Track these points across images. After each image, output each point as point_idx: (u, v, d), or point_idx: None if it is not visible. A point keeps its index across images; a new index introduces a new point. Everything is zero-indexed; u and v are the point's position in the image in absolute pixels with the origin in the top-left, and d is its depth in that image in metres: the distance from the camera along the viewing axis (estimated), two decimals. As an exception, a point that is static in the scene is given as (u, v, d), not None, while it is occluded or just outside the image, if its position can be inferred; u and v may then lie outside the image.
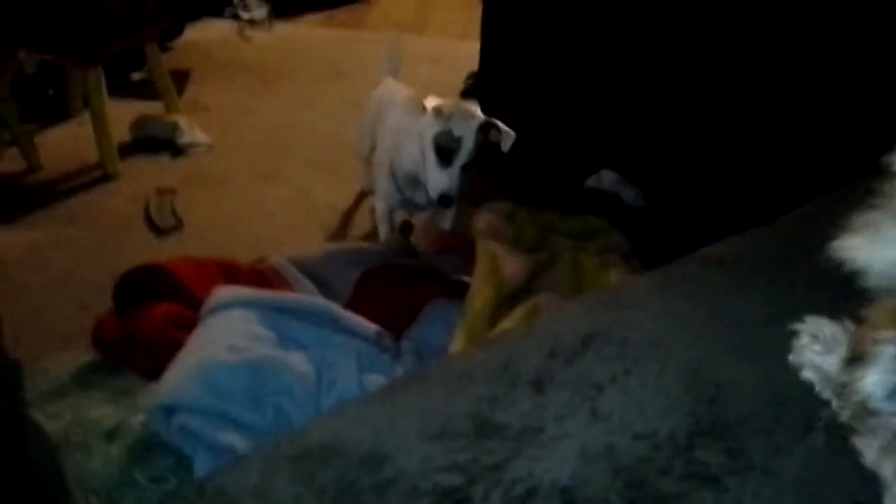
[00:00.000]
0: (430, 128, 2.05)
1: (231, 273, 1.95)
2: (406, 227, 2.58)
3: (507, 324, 1.81)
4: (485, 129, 2.06)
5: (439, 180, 2.04)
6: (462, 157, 2.03)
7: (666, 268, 1.27)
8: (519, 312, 1.86)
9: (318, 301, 1.79)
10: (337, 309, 1.77)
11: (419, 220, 2.65)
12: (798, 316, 1.01)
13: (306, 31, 4.68)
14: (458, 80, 3.73)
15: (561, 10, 2.92)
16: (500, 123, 2.07)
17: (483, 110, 2.21)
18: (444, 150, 2.03)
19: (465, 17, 5.03)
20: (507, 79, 3.27)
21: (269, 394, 1.57)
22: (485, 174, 2.49)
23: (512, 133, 2.07)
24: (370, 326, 1.76)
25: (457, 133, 2.02)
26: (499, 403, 0.94)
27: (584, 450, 0.88)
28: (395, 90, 2.52)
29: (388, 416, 0.94)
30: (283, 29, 4.65)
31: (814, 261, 0.85)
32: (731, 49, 2.54)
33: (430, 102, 2.30)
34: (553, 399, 0.95)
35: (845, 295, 0.84)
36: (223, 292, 1.78)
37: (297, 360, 1.63)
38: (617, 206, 2.84)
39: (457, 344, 1.78)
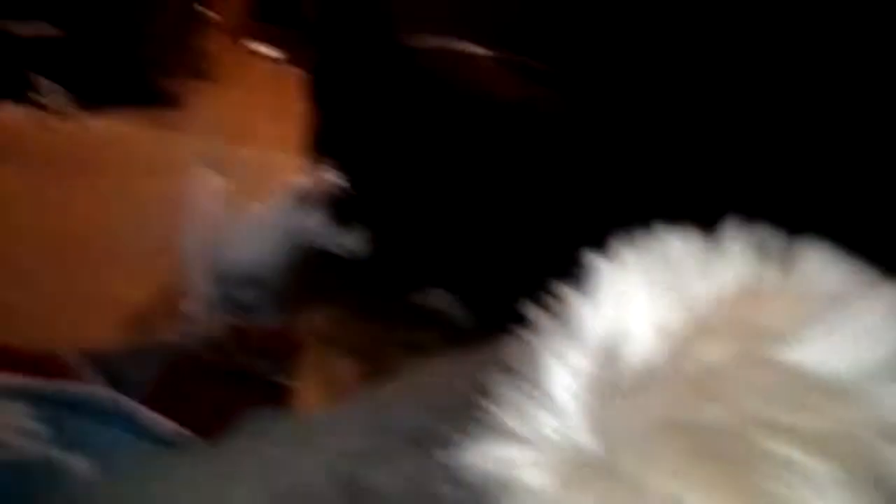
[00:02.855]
0: (305, 212, 1.94)
1: (9, 360, 1.65)
2: (236, 331, 2.31)
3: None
4: None
5: (353, 240, 2.02)
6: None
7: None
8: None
9: (113, 394, 1.53)
10: (132, 403, 1.51)
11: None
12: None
13: (112, 125, 4.39)
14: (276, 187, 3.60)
15: (389, 122, 2.91)
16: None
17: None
18: (340, 212, 2.01)
19: (285, 130, 4.94)
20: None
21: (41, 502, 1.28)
22: (311, 277, 2.36)
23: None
24: (173, 427, 1.52)
25: (332, 193, 1.96)
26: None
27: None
28: (207, 182, 2.36)
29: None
30: (86, 121, 4.34)
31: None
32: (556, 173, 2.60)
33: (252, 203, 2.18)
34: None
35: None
36: (-5, 380, 1.48)
37: (78, 463, 1.36)
38: (446, 324, 2.77)
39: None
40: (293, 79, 6.50)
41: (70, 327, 2.30)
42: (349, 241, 1.94)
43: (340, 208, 1.92)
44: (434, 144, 2.80)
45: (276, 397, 1.76)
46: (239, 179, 2.55)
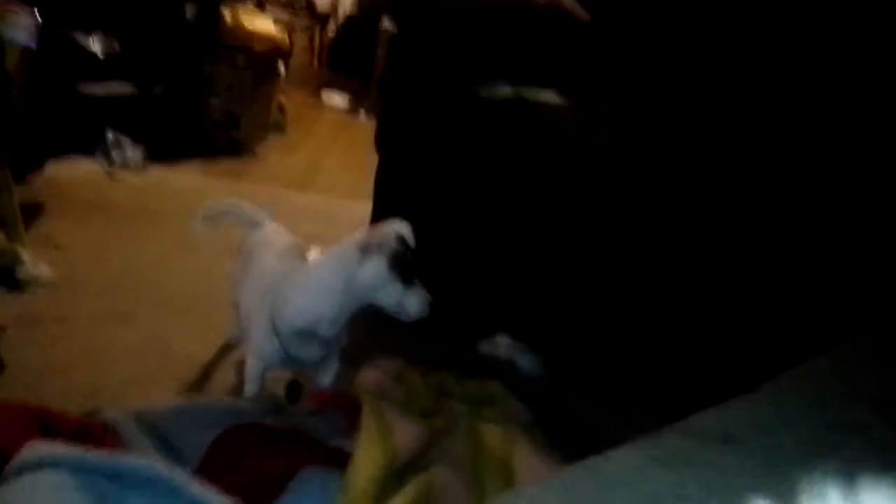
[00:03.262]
0: (368, 267, 1.82)
1: (52, 425, 1.54)
2: (294, 388, 2.16)
3: (396, 501, 1.48)
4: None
5: (418, 299, 1.84)
6: (412, 265, 1.85)
7: (655, 440, 0.97)
8: (410, 491, 1.53)
9: (158, 465, 1.40)
10: (181, 476, 1.38)
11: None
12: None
13: (182, 176, 4.41)
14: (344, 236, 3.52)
15: (458, 172, 2.81)
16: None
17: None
18: (405, 269, 1.83)
19: (354, 179, 4.93)
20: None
21: None
22: (370, 329, 2.23)
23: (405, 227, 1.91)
24: (223, 500, 1.38)
25: (397, 248, 1.83)
26: None
27: None
28: (272, 234, 2.26)
29: None
30: (158, 173, 4.36)
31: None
32: (626, 217, 2.45)
33: (313, 254, 2.07)
34: None
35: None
36: (34, 448, 1.38)
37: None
38: (512, 373, 2.61)
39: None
40: (363, 130, 6.53)
41: (123, 382, 2.22)
42: (414, 297, 1.81)
43: (404, 261, 1.80)
44: (506, 191, 2.68)
45: (335, 460, 1.61)
46: (306, 229, 2.46)
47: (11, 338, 2.34)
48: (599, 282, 2.53)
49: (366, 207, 3.10)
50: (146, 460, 1.41)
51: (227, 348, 2.50)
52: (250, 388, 2.05)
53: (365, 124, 6.85)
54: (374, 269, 1.81)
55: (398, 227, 1.84)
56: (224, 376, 2.36)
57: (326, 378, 2.12)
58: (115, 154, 4.37)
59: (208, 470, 1.59)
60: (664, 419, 2.26)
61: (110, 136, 4.42)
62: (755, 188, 2.22)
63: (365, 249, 1.83)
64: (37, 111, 3.56)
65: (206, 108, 4.91)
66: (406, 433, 1.71)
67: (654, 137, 2.49)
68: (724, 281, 2.27)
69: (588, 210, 2.50)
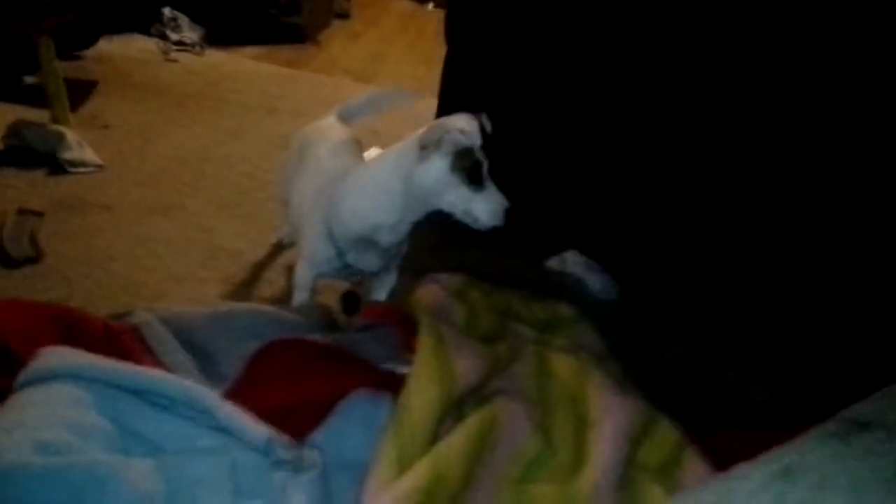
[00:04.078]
0: (431, 165, 1.58)
1: (73, 328, 1.38)
2: (351, 300, 1.94)
3: (455, 438, 1.29)
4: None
5: (490, 205, 1.57)
6: (486, 165, 1.58)
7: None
8: (472, 424, 1.34)
9: (186, 383, 1.23)
10: (213, 397, 1.21)
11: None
12: None
13: (241, 61, 4.19)
14: (407, 134, 3.29)
15: (529, 71, 2.52)
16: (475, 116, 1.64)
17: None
18: (472, 169, 1.56)
19: (420, 73, 4.66)
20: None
21: (87, 523, 1.01)
22: (430, 241, 2.02)
23: (482, 115, 1.65)
24: (258, 428, 1.21)
25: (466, 144, 1.56)
26: None
27: None
28: (329, 128, 2.03)
29: None
30: (216, 56, 4.15)
31: None
32: (724, 120, 2.16)
33: (373, 153, 1.84)
34: None
35: None
36: (50, 355, 1.22)
37: (142, 471, 1.07)
38: (583, 295, 2.39)
39: (382, 460, 1.25)
40: (431, 19, 6.20)
41: (166, 278, 2.07)
42: (483, 202, 1.56)
43: (471, 160, 1.55)
44: (585, 88, 2.39)
45: (387, 384, 1.43)
46: (365, 125, 2.23)
47: (50, 224, 2.21)
48: (686, 199, 2.26)
49: (431, 104, 2.85)
50: (172, 377, 1.24)
51: (278, 248, 2.33)
52: (299, 296, 1.87)
53: (433, 14, 6.50)
54: (435, 169, 1.57)
55: (463, 122, 1.59)
56: (274, 278, 2.20)
57: (382, 291, 1.93)
58: (171, 33, 4.16)
59: (246, 386, 1.42)
60: (742, 349, 1.99)
61: (167, 13, 4.21)
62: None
63: (425, 146, 1.58)
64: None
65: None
66: (467, 359, 1.51)
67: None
68: (821, 221, 2.00)
69: (679, 113, 2.21)
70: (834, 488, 0.69)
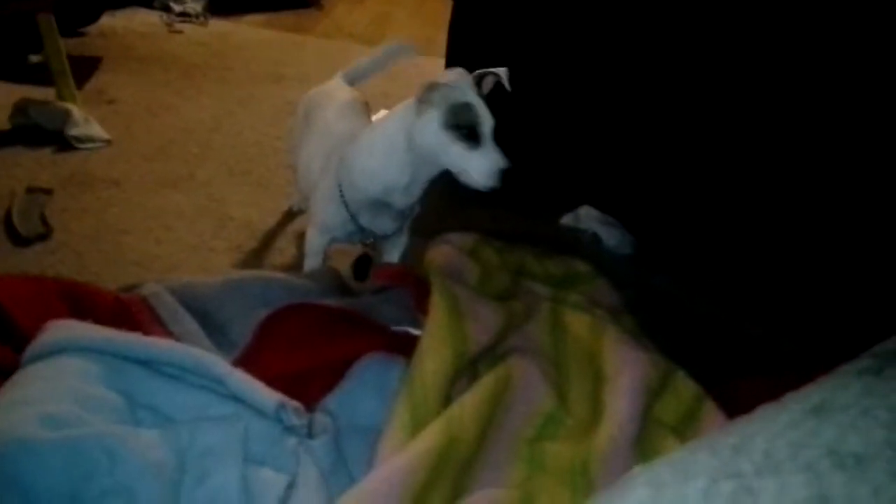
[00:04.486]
0: (425, 121, 1.54)
1: (82, 302, 1.37)
2: (363, 264, 1.90)
3: (468, 399, 1.28)
4: (477, 82, 1.57)
5: (484, 164, 1.51)
6: (488, 123, 1.51)
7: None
8: (485, 384, 1.33)
9: (196, 352, 1.21)
10: (222, 365, 1.20)
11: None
12: None
13: (246, 30, 4.14)
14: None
15: (537, 25, 2.46)
16: (487, 70, 1.59)
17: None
18: (466, 127, 1.51)
19: (425, 34, 4.57)
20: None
21: (98, 494, 1.00)
22: (442, 201, 1.99)
23: (502, 69, 1.58)
24: (269, 395, 1.20)
25: (462, 100, 1.51)
26: None
27: None
28: (335, 90, 2.00)
29: None
30: (220, 26, 4.10)
31: None
32: (739, 71, 2.10)
33: (381, 114, 1.81)
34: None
35: None
36: (58, 329, 1.21)
37: (151, 441, 1.07)
38: (597, 250, 2.35)
39: (395, 423, 1.24)
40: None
41: (177, 250, 2.06)
42: (479, 160, 1.51)
43: (466, 116, 1.50)
44: (595, 42, 2.34)
45: (401, 346, 1.42)
46: (373, 87, 2.20)
47: (60, 201, 2.20)
48: (702, 147, 2.21)
49: (439, 64, 2.80)
50: (181, 347, 1.23)
51: (289, 216, 2.31)
52: (310, 262, 1.86)
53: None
54: (429, 126, 1.53)
55: (454, 76, 1.55)
56: (285, 246, 2.19)
57: (395, 253, 1.91)
58: (174, 4, 4.12)
59: (257, 353, 1.41)
60: (758, 302, 1.95)
61: (171, -15, 4.16)
62: None
63: (421, 101, 1.55)
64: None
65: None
66: (480, 318, 1.49)
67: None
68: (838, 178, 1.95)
69: (692, 62, 2.16)
70: (871, 423, 0.65)
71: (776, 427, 0.67)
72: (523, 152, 1.63)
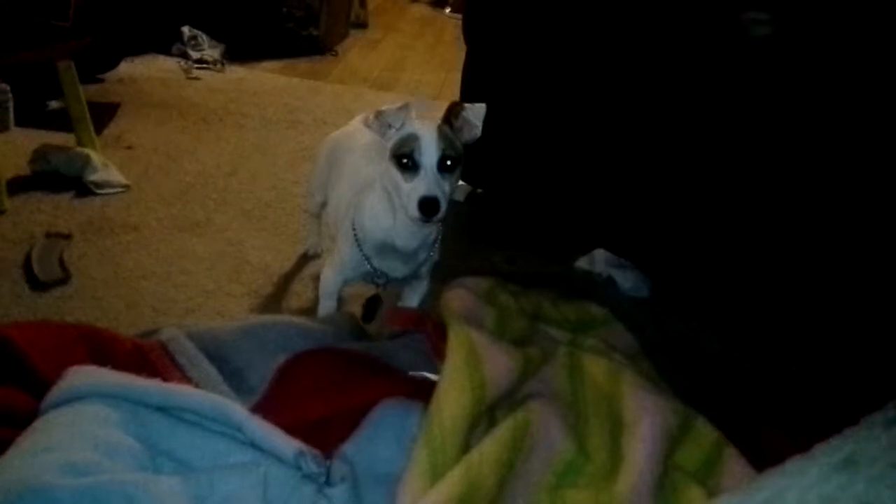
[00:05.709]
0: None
1: (101, 347, 1.38)
2: (372, 305, 1.93)
3: (488, 445, 1.27)
4: (451, 115, 1.61)
5: (412, 193, 1.54)
6: (430, 153, 1.54)
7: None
8: (504, 430, 1.32)
9: (215, 399, 1.22)
10: (241, 412, 1.20)
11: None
12: None
13: (262, 76, 4.21)
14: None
15: (551, 70, 2.49)
16: (457, 102, 1.63)
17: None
18: (403, 156, 1.55)
19: (438, 79, 4.64)
20: (489, 142, 2.82)
21: (118, 544, 1.00)
22: (460, 247, 2.00)
23: (480, 105, 1.61)
24: (288, 442, 1.20)
25: (408, 132, 1.56)
26: None
27: None
28: (355, 132, 2.03)
29: None
30: (237, 72, 4.17)
31: None
32: (747, 115, 2.12)
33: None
34: None
35: None
36: (77, 375, 1.21)
37: (171, 489, 1.06)
38: (612, 293, 2.35)
39: (414, 470, 1.23)
40: (449, 25, 6.19)
41: (195, 294, 2.07)
42: (407, 189, 1.54)
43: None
44: (606, 87, 2.36)
45: (418, 392, 1.41)
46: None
47: (78, 246, 2.22)
48: (716, 190, 2.22)
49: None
50: (200, 393, 1.23)
51: (304, 260, 2.33)
52: (325, 303, 1.87)
53: (451, 19, 6.50)
54: (386, 155, 1.60)
55: (386, 106, 1.59)
56: (301, 289, 2.19)
57: (415, 298, 1.92)
58: (192, 51, 4.19)
59: (276, 399, 1.41)
60: (776, 344, 1.93)
61: (187, 31, 4.24)
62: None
63: (368, 126, 1.62)
64: (111, 5, 3.38)
65: (285, 4, 4.65)
66: (498, 363, 1.49)
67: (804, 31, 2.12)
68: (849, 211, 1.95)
69: (704, 110, 2.17)
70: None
71: (807, 481, 0.66)
72: (539, 195, 1.65)
